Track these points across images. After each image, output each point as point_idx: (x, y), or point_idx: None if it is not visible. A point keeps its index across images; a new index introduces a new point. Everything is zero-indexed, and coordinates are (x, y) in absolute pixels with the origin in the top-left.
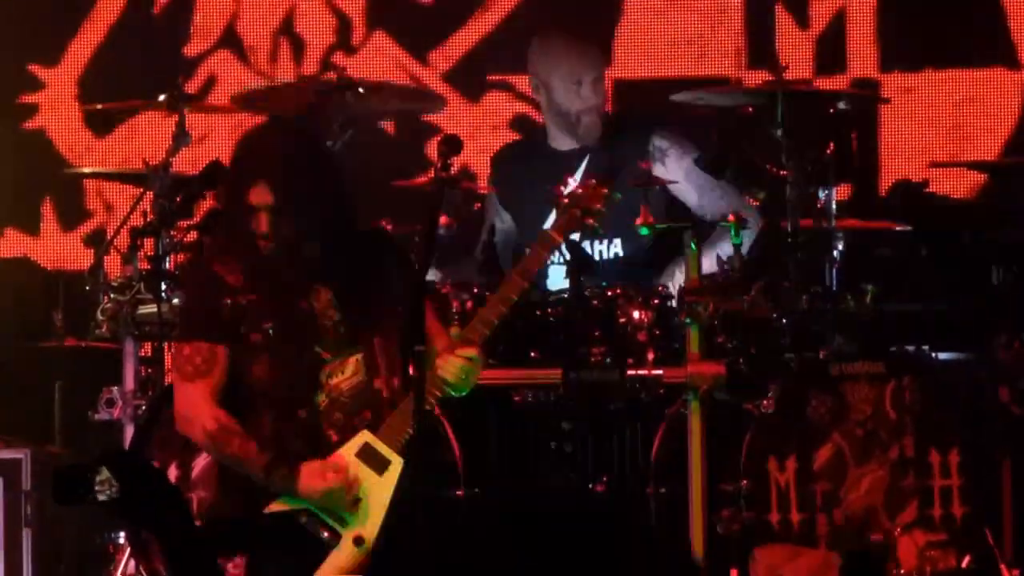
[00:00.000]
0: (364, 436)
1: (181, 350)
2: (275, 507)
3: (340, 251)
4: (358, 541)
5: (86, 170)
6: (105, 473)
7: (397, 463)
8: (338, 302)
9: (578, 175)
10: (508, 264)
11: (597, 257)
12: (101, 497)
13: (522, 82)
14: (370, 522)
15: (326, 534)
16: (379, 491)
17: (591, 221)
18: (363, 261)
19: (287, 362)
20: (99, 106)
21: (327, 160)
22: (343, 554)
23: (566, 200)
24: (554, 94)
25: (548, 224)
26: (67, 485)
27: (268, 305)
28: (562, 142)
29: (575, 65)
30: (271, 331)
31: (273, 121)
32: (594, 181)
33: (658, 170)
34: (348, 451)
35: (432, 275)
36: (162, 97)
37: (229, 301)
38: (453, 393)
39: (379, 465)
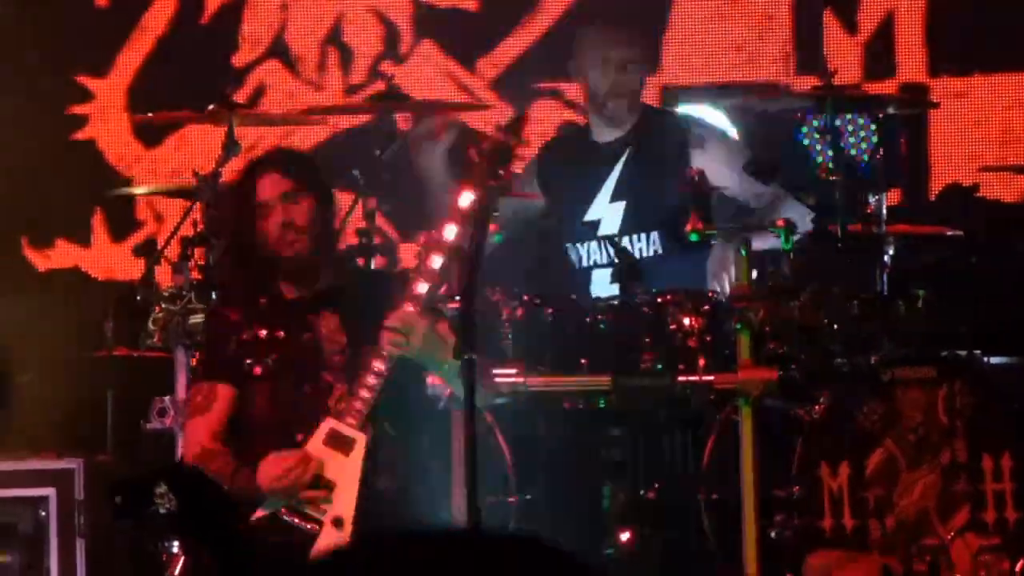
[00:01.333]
0: (328, 424)
1: (188, 391)
2: (259, 513)
3: (340, 272)
4: (337, 522)
5: (138, 190)
6: (163, 486)
7: (361, 439)
8: (342, 323)
9: (617, 167)
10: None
11: (639, 255)
12: (160, 511)
13: (570, 89)
14: (345, 501)
15: (308, 525)
16: (348, 470)
17: (504, 175)
18: (362, 284)
19: (288, 390)
20: (150, 115)
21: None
22: (326, 538)
23: (478, 159)
24: (588, 77)
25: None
26: (124, 500)
27: (272, 339)
28: (602, 133)
29: (605, 46)
30: (274, 364)
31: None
32: (503, 132)
33: (697, 156)
34: (315, 441)
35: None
36: (211, 107)
37: (233, 338)
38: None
39: (345, 446)
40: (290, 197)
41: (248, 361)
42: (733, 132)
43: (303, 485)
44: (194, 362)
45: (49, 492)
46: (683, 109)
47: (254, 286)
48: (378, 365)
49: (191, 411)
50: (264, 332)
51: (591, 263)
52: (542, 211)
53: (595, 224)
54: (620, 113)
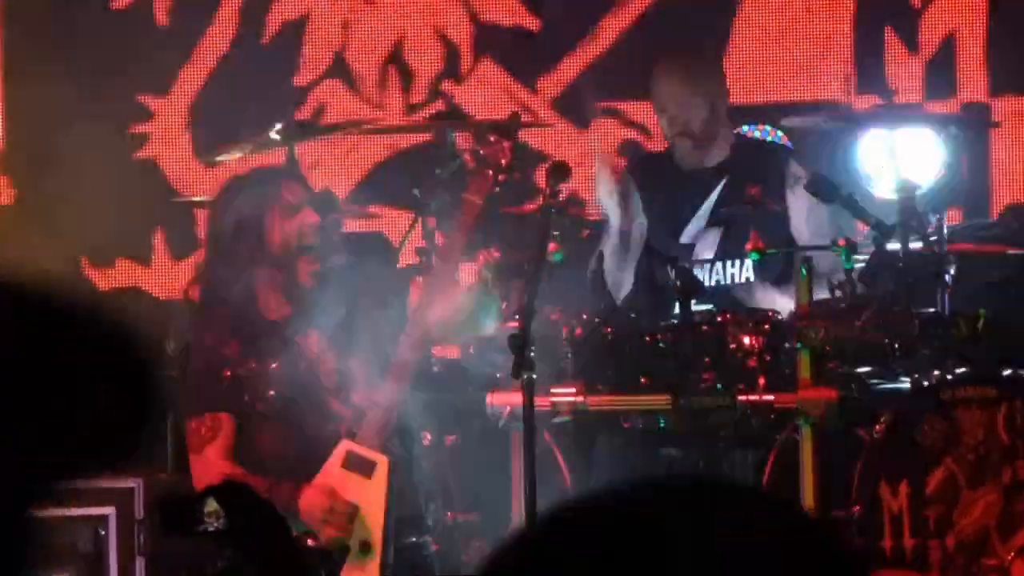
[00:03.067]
0: (345, 445)
1: (188, 427)
2: None
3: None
4: (364, 547)
5: (196, 198)
6: (213, 504)
7: (383, 462)
8: (329, 342)
9: (714, 194)
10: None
11: (731, 281)
12: (208, 528)
13: (631, 108)
14: (371, 526)
15: (334, 552)
16: (372, 493)
17: (504, 178)
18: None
19: (299, 431)
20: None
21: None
22: (354, 564)
23: (474, 163)
24: (660, 118)
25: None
26: (174, 516)
27: (267, 372)
28: (692, 161)
29: (658, 94)
30: (275, 400)
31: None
32: (496, 137)
33: (788, 197)
34: (333, 464)
35: (540, 303)
36: (275, 132)
37: (228, 373)
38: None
39: (366, 469)
40: (314, 205)
41: (246, 398)
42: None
43: (339, 521)
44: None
45: (109, 511)
46: (744, 129)
47: (241, 307)
48: (395, 380)
49: (198, 444)
50: (255, 366)
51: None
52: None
53: (689, 248)
54: (686, 157)
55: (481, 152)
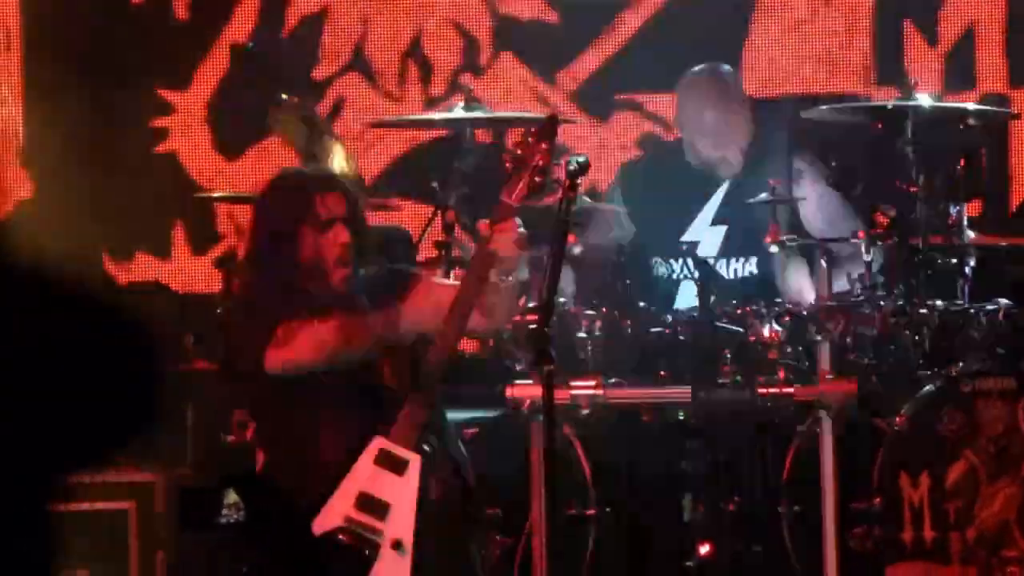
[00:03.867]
0: (378, 443)
1: (274, 333)
2: (316, 528)
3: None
4: (396, 545)
5: (217, 194)
6: (233, 496)
7: (415, 460)
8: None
9: (720, 191)
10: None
11: (732, 276)
12: (226, 521)
13: (650, 101)
14: (403, 524)
15: (366, 550)
16: (404, 492)
17: (540, 180)
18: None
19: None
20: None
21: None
22: (385, 562)
23: (511, 165)
24: (689, 136)
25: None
26: (194, 509)
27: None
28: (726, 169)
29: (699, 109)
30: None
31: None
32: (533, 138)
33: (795, 191)
34: (365, 460)
35: (562, 295)
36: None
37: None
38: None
39: (398, 467)
40: (349, 221)
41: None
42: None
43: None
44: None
45: (129, 506)
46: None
47: (278, 308)
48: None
49: (296, 326)
50: None
51: (681, 277)
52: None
53: (693, 245)
54: (730, 160)
55: (519, 153)
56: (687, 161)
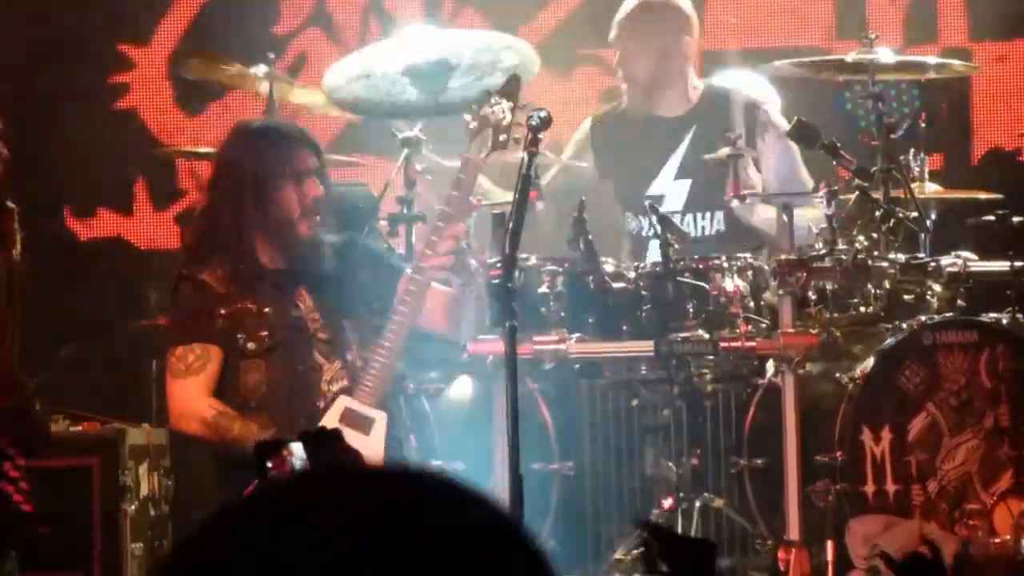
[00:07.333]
0: (343, 401)
1: (173, 352)
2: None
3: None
4: None
5: (179, 148)
6: (298, 449)
7: (380, 418)
8: (316, 302)
9: (683, 144)
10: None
11: (701, 233)
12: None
13: (612, 56)
14: None
15: None
16: (370, 449)
17: (505, 138)
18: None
19: (286, 372)
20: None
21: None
22: None
23: (476, 123)
24: (629, 69)
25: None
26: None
27: (262, 313)
28: (662, 109)
29: (639, 37)
30: (267, 340)
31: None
32: (497, 97)
33: (758, 144)
34: (330, 420)
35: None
36: (258, 70)
37: (223, 311)
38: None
39: (364, 425)
40: (319, 174)
41: (240, 335)
42: (776, 99)
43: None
44: (167, 323)
45: (93, 462)
46: (723, 78)
47: (240, 253)
48: (390, 338)
49: (182, 371)
50: (252, 306)
51: (650, 234)
52: (593, 181)
53: (659, 199)
54: (670, 99)
55: (482, 112)
56: (654, 116)
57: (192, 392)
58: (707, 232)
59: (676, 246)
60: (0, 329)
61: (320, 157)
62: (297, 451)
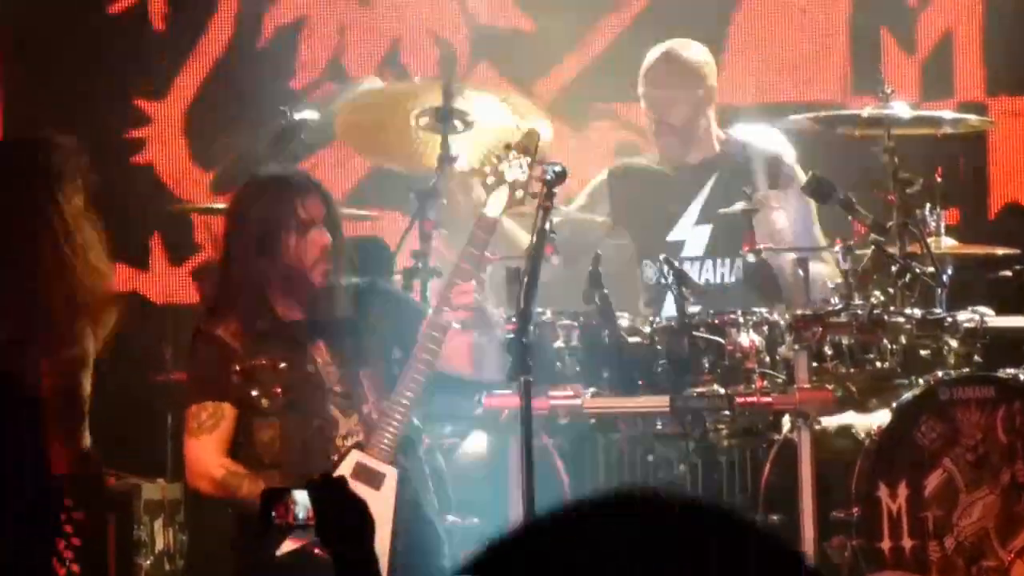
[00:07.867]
0: (355, 456)
1: (189, 410)
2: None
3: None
4: None
5: (195, 205)
6: (304, 498)
7: (391, 474)
8: (333, 354)
9: (704, 191)
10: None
11: (721, 280)
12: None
13: (626, 110)
14: (378, 537)
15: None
16: (380, 506)
17: (522, 195)
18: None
19: (301, 429)
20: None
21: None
22: None
23: (492, 178)
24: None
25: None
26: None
27: (277, 368)
28: (682, 158)
29: (642, 87)
30: (282, 397)
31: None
32: (515, 153)
33: (779, 197)
34: (342, 473)
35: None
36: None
37: (237, 367)
38: None
39: (374, 480)
40: (327, 223)
41: (254, 392)
42: (792, 152)
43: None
44: (184, 379)
45: (108, 516)
46: (741, 130)
47: (253, 306)
48: (408, 395)
49: (196, 429)
50: (266, 361)
51: (667, 282)
52: (607, 232)
53: (679, 245)
54: (669, 150)
55: (500, 167)
56: (659, 168)
57: (204, 451)
58: (726, 279)
59: (691, 299)
60: (76, 402)
61: (330, 206)
62: (302, 499)
